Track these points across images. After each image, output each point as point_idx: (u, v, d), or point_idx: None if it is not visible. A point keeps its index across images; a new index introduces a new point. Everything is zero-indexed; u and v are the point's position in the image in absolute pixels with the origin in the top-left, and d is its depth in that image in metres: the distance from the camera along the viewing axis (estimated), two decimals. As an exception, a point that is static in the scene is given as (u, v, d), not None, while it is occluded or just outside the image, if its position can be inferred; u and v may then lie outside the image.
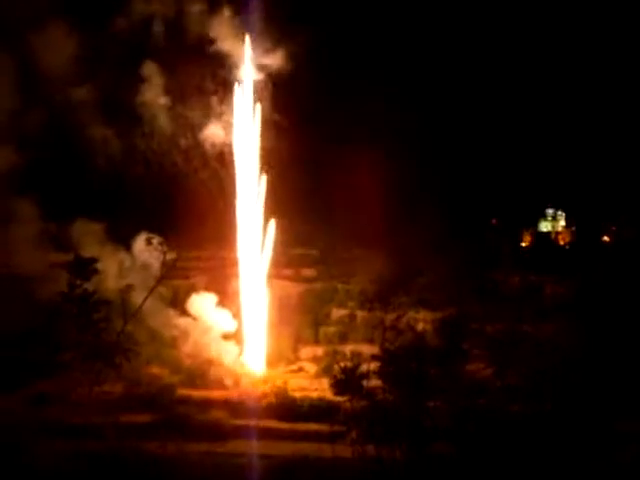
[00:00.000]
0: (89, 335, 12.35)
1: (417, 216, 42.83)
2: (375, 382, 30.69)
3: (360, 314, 38.50)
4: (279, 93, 35.65)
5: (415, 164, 43.64)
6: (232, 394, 33.13)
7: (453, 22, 44.56)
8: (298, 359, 36.70)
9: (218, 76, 35.31)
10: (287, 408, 31.34)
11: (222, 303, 35.18)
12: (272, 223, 36.05)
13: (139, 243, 32.81)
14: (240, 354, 35.21)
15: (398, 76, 41.98)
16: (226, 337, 35.07)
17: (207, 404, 31.27)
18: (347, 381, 30.99)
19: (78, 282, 12.18)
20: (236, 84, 35.61)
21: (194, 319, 34.59)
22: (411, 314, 37.40)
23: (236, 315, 35.61)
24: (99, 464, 18.65)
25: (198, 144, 34.93)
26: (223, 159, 35.56)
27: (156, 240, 16.57)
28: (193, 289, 35.77)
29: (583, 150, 46.16)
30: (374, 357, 28.01)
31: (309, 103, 36.71)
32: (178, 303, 35.46)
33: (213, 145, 35.17)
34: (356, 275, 39.67)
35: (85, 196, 35.38)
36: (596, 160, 46.10)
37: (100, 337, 12.44)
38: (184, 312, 34.92)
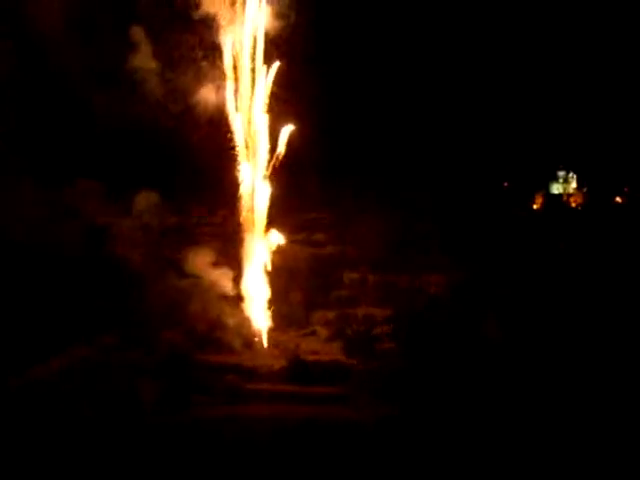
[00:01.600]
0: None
1: (428, 178, 42.75)
2: (387, 345, 30.93)
3: (372, 277, 38.56)
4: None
5: (426, 125, 43.35)
6: (245, 358, 33.36)
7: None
8: (310, 323, 36.81)
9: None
10: (300, 372, 31.59)
11: (229, 265, 35.12)
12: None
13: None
14: (246, 316, 35.16)
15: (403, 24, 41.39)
16: (231, 299, 35.02)
17: (222, 369, 31.57)
18: (359, 343, 31.40)
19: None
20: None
21: (197, 280, 34.53)
22: (423, 277, 37.78)
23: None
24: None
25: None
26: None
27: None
28: (199, 252, 35.64)
29: (595, 110, 45.70)
30: (387, 319, 28.24)
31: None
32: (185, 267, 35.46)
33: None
34: (367, 239, 39.60)
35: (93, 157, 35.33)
36: (608, 120, 45.63)
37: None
38: (190, 274, 34.91)
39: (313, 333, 36.29)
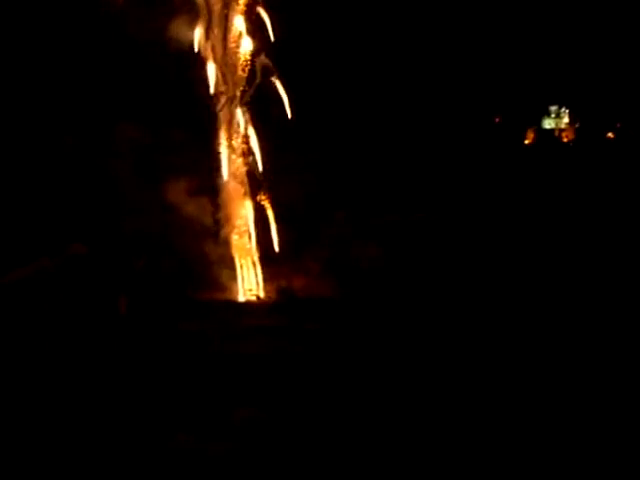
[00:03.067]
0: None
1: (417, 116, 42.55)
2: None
3: (362, 216, 38.51)
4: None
5: (416, 58, 42.93)
6: (236, 295, 33.43)
7: None
8: (301, 259, 36.73)
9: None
10: (292, 308, 31.78)
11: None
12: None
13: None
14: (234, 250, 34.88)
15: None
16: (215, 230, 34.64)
17: (214, 307, 31.63)
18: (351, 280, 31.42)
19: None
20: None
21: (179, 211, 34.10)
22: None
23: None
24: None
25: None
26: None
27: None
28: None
29: (588, 45, 45.24)
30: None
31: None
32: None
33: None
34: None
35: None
36: (601, 55, 45.23)
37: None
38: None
39: (305, 269, 36.28)
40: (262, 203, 34.86)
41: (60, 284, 28.31)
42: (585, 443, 18.36)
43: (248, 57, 33.80)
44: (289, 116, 34.71)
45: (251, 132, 34.48)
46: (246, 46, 33.91)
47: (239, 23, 33.90)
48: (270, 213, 35.12)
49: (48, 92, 34.22)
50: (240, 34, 33.99)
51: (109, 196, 32.75)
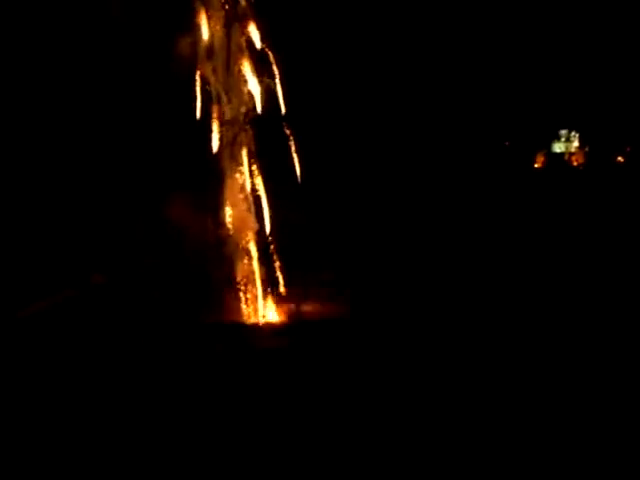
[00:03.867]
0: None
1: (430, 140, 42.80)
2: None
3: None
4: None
5: (429, 84, 43.31)
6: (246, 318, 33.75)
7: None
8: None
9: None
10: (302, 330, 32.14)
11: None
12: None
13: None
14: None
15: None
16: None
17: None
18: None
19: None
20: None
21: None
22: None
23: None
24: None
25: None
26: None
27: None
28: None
29: (597, 70, 45.56)
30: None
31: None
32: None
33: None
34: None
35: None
36: (611, 80, 45.53)
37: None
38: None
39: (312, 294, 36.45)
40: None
41: (82, 314, 28.91)
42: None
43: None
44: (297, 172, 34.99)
45: (259, 184, 34.51)
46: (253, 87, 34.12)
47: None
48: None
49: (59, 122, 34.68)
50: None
51: (123, 226, 33.13)
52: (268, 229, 32.90)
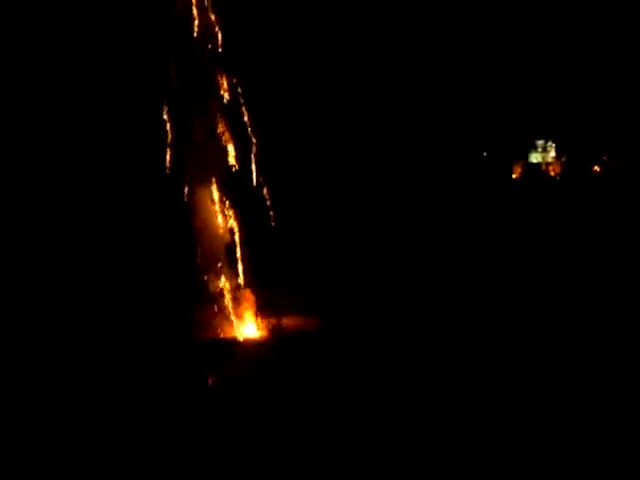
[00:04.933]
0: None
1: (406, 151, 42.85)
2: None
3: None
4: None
5: (403, 96, 43.37)
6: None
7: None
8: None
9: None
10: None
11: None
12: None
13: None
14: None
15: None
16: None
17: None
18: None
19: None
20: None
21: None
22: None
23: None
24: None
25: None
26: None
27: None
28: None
29: (573, 80, 45.83)
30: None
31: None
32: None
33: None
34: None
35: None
36: (587, 90, 45.81)
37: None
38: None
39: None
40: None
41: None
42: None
43: None
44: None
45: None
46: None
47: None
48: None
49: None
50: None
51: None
52: (238, 241, 32.74)
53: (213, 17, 31.82)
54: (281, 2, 36.59)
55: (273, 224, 35.41)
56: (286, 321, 34.39)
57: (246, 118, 33.19)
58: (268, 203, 34.19)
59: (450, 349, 27.15)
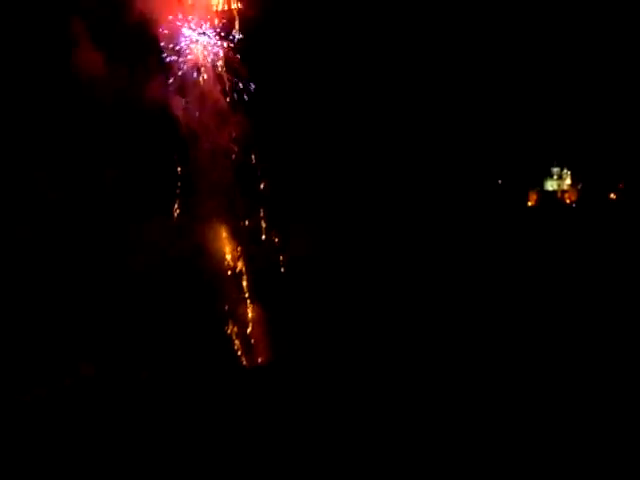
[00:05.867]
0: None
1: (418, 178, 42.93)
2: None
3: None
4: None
5: (417, 120, 43.56)
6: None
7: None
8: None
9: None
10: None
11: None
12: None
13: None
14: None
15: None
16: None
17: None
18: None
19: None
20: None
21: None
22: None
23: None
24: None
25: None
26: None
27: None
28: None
29: (589, 106, 45.89)
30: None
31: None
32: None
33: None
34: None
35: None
36: (602, 116, 45.80)
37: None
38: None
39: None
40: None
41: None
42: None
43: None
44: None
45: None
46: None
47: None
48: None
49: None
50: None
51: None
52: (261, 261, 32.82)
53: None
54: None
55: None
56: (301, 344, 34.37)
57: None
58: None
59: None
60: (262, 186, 34.25)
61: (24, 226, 31.39)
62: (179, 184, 34.22)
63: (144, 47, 32.97)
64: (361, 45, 40.01)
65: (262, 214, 35.09)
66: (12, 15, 32.52)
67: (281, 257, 35.01)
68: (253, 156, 34.53)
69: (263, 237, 35.06)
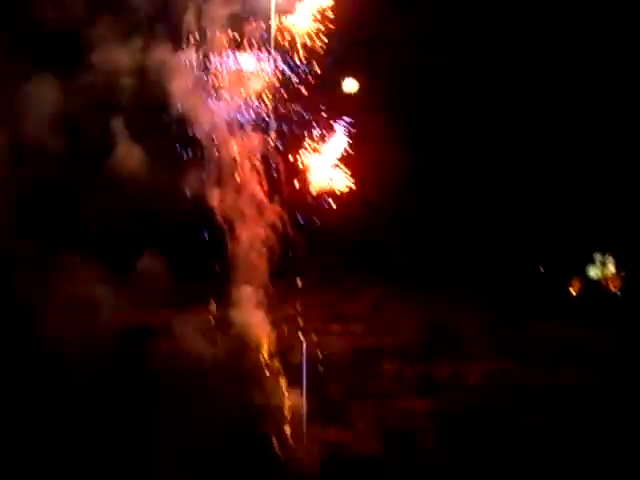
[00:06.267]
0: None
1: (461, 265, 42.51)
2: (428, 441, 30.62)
3: (409, 368, 38.11)
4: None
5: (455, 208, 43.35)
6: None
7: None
8: (347, 416, 36.16)
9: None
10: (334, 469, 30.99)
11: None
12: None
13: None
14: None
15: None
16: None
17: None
18: (399, 439, 30.82)
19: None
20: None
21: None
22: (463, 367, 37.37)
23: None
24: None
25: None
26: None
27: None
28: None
29: (630, 192, 45.47)
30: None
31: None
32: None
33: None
34: (399, 327, 39.40)
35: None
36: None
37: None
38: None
39: (350, 426, 35.62)
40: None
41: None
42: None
43: None
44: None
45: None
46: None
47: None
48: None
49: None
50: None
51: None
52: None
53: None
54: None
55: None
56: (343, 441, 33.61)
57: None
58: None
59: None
60: (299, 279, 34.11)
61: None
62: (215, 274, 34.24)
63: (182, 140, 33.62)
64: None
65: (298, 307, 34.95)
66: None
67: (319, 353, 34.81)
68: (289, 248, 34.55)
69: (300, 330, 34.94)
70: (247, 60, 33.50)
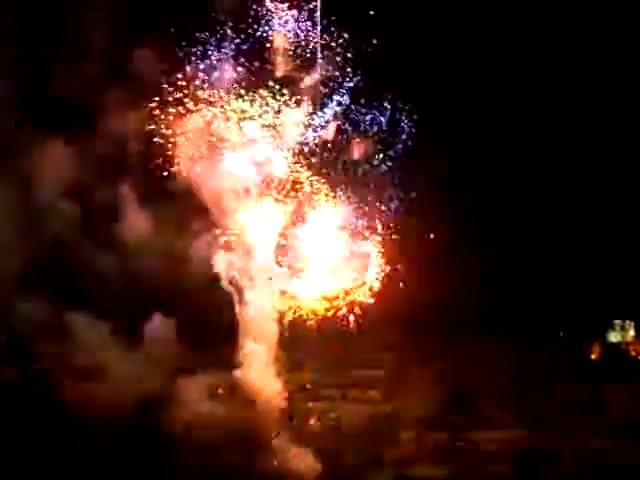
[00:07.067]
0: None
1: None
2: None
3: (428, 436, 37.78)
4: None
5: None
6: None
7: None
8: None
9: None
10: None
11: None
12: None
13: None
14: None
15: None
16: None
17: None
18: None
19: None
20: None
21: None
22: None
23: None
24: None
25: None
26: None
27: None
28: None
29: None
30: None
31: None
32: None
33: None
34: (416, 394, 39.15)
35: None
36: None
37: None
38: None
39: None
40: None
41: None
42: None
43: None
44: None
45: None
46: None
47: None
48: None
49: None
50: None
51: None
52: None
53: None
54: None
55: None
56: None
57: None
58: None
59: None
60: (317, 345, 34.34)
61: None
62: (227, 339, 34.59)
63: (190, 208, 34.11)
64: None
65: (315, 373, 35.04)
66: None
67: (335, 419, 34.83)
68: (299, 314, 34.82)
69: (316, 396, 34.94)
70: (254, 127, 34.06)
